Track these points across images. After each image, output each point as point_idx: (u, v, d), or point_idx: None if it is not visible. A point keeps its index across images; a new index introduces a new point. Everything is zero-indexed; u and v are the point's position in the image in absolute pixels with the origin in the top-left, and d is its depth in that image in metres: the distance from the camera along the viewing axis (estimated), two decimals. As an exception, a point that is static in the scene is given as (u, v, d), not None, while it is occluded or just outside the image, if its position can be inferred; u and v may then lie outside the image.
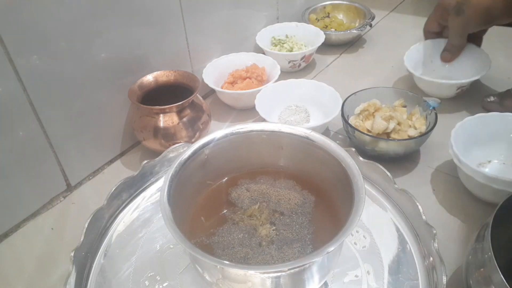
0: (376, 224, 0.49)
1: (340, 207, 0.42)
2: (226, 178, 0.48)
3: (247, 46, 0.83)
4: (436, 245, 0.42)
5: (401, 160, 0.60)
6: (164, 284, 0.44)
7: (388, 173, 0.51)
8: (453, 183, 0.56)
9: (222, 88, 0.74)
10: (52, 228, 0.54)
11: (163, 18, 0.63)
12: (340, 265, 0.44)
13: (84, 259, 0.45)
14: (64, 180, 0.58)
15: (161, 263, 0.46)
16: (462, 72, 0.71)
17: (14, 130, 0.50)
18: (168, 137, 0.59)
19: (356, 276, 0.44)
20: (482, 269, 0.38)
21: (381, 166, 0.52)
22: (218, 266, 0.34)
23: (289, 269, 0.33)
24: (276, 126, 0.46)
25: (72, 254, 0.42)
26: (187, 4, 0.66)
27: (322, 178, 0.46)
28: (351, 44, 0.91)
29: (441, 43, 0.72)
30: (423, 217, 0.46)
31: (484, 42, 0.72)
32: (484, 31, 0.71)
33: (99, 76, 0.57)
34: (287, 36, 0.86)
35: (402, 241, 0.47)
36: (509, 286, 0.33)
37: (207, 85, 0.71)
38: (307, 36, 0.86)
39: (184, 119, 0.60)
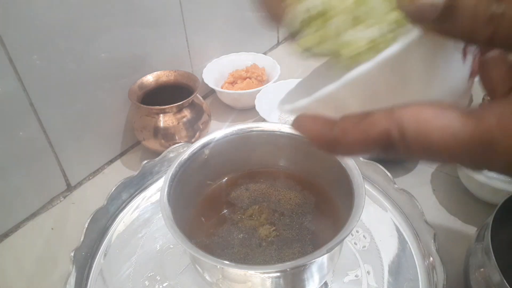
0: (376, 224, 0.49)
1: (340, 207, 0.42)
2: (226, 178, 0.48)
3: (247, 46, 0.83)
4: (436, 245, 0.42)
5: (401, 160, 0.60)
6: (164, 284, 0.44)
7: (388, 173, 0.51)
8: (453, 183, 0.56)
9: (222, 88, 0.73)
10: (52, 228, 0.54)
11: (163, 18, 0.63)
12: (340, 265, 0.44)
13: (84, 259, 0.45)
14: (64, 180, 0.58)
15: (161, 263, 0.46)
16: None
17: (14, 130, 0.50)
18: (168, 137, 0.59)
19: (356, 276, 0.44)
20: (482, 269, 0.38)
21: (381, 166, 0.52)
22: (218, 266, 0.34)
23: (289, 269, 0.33)
24: (276, 126, 0.46)
25: (72, 254, 0.42)
26: (187, 4, 0.66)
27: (322, 178, 0.45)
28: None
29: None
30: (423, 217, 0.46)
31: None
32: None
33: (99, 76, 0.57)
34: None
35: (402, 241, 0.47)
36: (509, 286, 0.33)
37: (207, 85, 0.71)
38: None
39: (184, 119, 0.60)
